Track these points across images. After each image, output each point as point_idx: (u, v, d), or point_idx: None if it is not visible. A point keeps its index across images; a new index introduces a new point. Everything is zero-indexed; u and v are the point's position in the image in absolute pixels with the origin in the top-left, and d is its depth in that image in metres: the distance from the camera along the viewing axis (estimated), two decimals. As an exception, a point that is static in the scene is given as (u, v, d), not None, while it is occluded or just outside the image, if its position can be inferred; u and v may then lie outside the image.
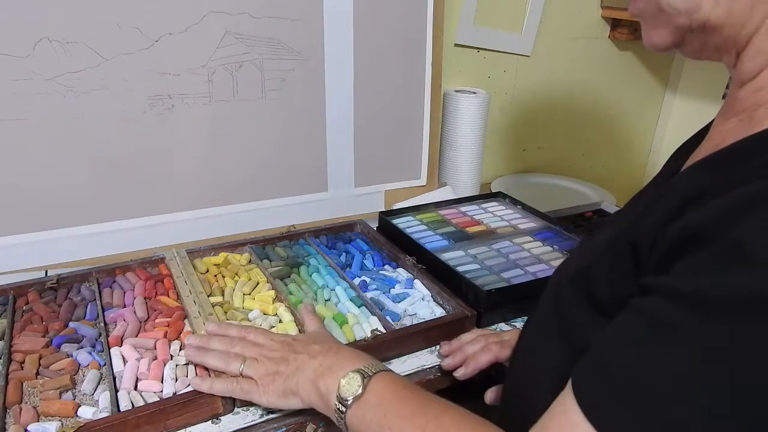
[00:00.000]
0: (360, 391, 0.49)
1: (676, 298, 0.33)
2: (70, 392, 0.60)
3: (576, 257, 0.50)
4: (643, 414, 0.32)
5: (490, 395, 0.64)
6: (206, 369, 0.63)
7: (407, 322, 0.74)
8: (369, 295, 0.78)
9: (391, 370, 0.53)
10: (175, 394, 0.59)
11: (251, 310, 0.74)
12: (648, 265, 0.38)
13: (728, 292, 0.31)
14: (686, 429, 0.31)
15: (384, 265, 0.87)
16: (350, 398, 0.49)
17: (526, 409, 0.48)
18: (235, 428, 0.58)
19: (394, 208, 1.06)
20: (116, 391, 0.59)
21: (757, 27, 0.38)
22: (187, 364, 0.64)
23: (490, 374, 0.66)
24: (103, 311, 0.72)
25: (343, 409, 0.49)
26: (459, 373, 0.65)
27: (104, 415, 0.56)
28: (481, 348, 0.67)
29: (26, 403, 0.58)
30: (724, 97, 1.48)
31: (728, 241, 0.32)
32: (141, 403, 0.58)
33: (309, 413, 0.60)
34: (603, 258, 0.43)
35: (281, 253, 0.89)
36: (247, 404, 0.60)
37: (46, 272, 0.82)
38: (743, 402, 0.30)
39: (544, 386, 0.47)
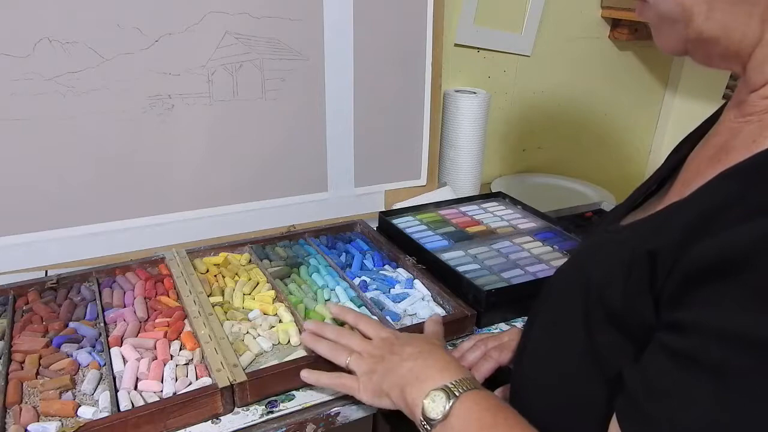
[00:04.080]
0: (446, 410, 0.48)
1: (728, 339, 0.33)
2: (70, 392, 0.60)
3: (591, 265, 0.48)
4: None
5: (498, 396, 0.64)
6: (206, 369, 0.63)
7: (407, 322, 0.74)
8: (369, 295, 0.78)
9: (477, 387, 0.51)
10: (175, 394, 0.59)
11: (251, 310, 0.74)
12: (666, 284, 0.37)
13: None
14: None
15: (384, 265, 0.87)
16: (434, 419, 0.48)
17: (539, 412, 0.48)
18: (235, 428, 0.58)
19: (394, 208, 1.06)
20: (116, 391, 0.59)
21: (757, 39, 0.39)
22: (186, 364, 0.64)
23: (492, 375, 0.66)
24: (103, 311, 0.72)
25: (428, 428, 0.49)
26: None
27: (104, 415, 0.56)
28: (481, 355, 0.67)
29: (26, 403, 0.58)
30: (724, 97, 1.48)
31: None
32: (141, 403, 0.58)
33: (310, 412, 0.60)
34: (618, 270, 0.42)
35: (281, 253, 0.89)
36: (247, 404, 0.60)
37: (46, 272, 0.82)
38: None
39: (561, 392, 0.47)
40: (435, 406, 0.49)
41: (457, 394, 0.49)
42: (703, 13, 0.38)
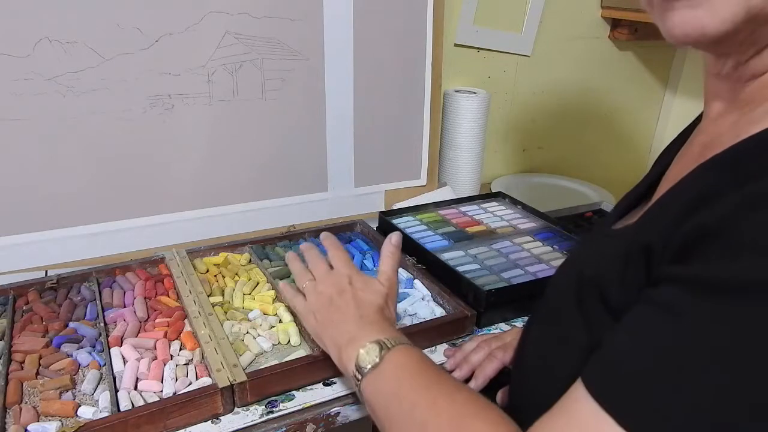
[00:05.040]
0: (377, 360, 0.50)
1: (686, 283, 0.33)
2: (70, 392, 0.60)
3: (585, 261, 0.48)
4: (656, 398, 0.32)
5: (501, 396, 0.64)
6: (206, 369, 0.63)
7: (407, 322, 0.73)
8: (369, 295, 0.78)
9: (411, 344, 0.53)
10: (175, 394, 0.59)
11: (251, 310, 0.74)
12: (660, 265, 0.38)
13: (739, 277, 0.31)
14: (699, 408, 0.31)
15: (384, 265, 0.87)
16: (367, 367, 0.51)
17: (536, 409, 0.48)
18: (235, 428, 0.58)
19: (394, 208, 1.06)
20: (116, 391, 0.59)
21: None
22: (186, 364, 0.64)
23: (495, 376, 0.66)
24: (103, 311, 0.72)
25: (360, 377, 0.51)
26: (471, 387, 0.65)
27: (104, 415, 0.56)
28: (485, 356, 0.66)
29: (26, 403, 0.58)
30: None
31: (740, 232, 0.32)
32: (141, 403, 0.58)
33: (310, 412, 0.60)
34: (614, 264, 0.42)
35: (281, 253, 0.89)
36: (247, 404, 0.60)
37: (46, 272, 0.82)
38: (756, 383, 0.30)
39: (559, 392, 0.47)
40: (368, 356, 0.51)
41: (390, 346, 0.52)
42: None
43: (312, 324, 0.62)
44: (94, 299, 0.75)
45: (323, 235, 0.71)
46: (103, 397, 0.58)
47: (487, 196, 1.13)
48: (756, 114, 0.39)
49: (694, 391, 0.31)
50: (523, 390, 0.52)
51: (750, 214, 0.32)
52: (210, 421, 0.58)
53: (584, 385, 0.36)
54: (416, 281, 0.81)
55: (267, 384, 0.61)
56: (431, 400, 0.46)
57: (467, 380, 0.65)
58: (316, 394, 0.63)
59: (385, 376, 0.50)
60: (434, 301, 0.78)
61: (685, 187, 0.40)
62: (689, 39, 0.36)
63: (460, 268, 0.82)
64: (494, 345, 0.67)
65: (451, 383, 0.48)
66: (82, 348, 0.65)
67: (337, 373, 0.65)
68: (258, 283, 0.80)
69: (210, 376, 0.61)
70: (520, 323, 0.78)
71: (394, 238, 0.68)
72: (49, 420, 0.56)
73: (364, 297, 0.61)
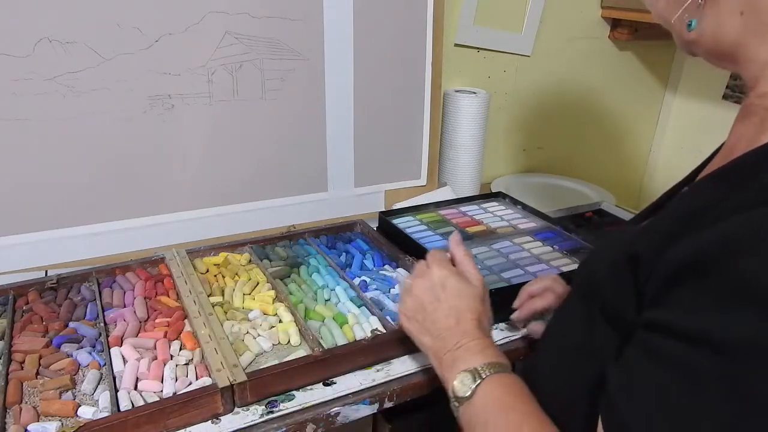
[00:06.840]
0: (468, 393, 0.51)
1: (688, 339, 0.34)
2: (70, 392, 0.60)
3: (593, 263, 0.51)
4: None
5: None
6: (206, 369, 0.63)
7: (407, 322, 0.73)
8: (369, 295, 0.78)
9: (506, 370, 0.53)
10: (175, 394, 0.59)
11: (251, 310, 0.74)
12: (647, 286, 0.39)
13: (736, 334, 0.32)
14: None
15: (384, 265, 0.87)
16: (462, 398, 0.51)
17: (542, 400, 0.50)
18: (235, 428, 0.58)
19: (394, 208, 1.06)
20: (116, 391, 0.59)
21: (738, 37, 0.41)
22: (186, 364, 0.64)
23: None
24: (103, 311, 0.72)
25: (457, 404, 0.52)
26: (514, 316, 0.71)
27: (104, 415, 0.56)
28: (546, 304, 0.69)
29: (26, 403, 0.58)
30: (724, 97, 1.48)
31: (732, 276, 0.33)
32: (141, 403, 0.58)
33: (310, 412, 0.60)
34: (608, 269, 0.44)
35: (281, 253, 0.89)
36: (247, 404, 0.60)
37: (46, 272, 0.82)
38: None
39: (559, 381, 0.49)
40: (461, 387, 0.51)
41: (484, 376, 0.51)
42: (689, 19, 0.42)
43: (411, 328, 0.61)
44: (94, 299, 0.75)
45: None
46: (103, 397, 0.58)
47: (487, 196, 1.13)
48: (766, 122, 0.41)
49: None
50: (532, 379, 0.54)
51: (739, 253, 0.33)
52: (210, 421, 0.58)
53: None
54: (416, 281, 0.81)
55: (267, 384, 0.61)
56: None
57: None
58: (316, 394, 0.63)
59: (476, 409, 0.51)
60: (434, 301, 0.78)
61: (682, 201, 0.41)
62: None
63: (460, 268, 0.82)
64: (557, 289, 0.69)
65: (536, 420, 0.48)
66: (82, 348, 0.65)
67: (337, 374, 0.65)
68: (258, 283, 0.80)
69: (210, 376, 0.61)
70: (520, 323, 0.78)
71: (457, 236, 0.67)
72: (49, 420, 0.56)
73: (460, 305, 0.59)
